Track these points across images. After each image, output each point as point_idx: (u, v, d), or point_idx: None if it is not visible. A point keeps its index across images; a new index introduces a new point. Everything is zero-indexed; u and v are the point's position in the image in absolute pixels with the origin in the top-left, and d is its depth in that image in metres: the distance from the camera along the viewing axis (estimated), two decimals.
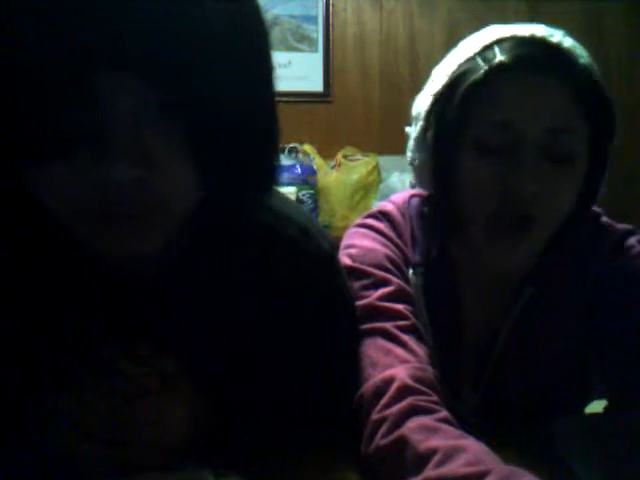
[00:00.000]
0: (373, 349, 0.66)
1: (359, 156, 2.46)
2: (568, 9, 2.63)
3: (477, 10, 2.60)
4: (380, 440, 0.59)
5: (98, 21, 0.39)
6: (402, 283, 0.72)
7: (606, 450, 0.64)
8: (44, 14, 0.39)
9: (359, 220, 0.80)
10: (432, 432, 0.56)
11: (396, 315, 0.69)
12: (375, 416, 0.61)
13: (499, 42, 0.65)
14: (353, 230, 0.79)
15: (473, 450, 0.54)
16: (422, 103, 0.71)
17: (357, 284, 0.72)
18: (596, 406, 0.82)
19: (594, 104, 0.65)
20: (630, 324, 0.70)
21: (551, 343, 0.75)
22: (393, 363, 0.64)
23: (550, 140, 0.64)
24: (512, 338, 0.75)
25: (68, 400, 0.54)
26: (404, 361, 0.64)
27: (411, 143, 0.74)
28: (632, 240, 0.74)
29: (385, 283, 0.71)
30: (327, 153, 2.47)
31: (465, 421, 0.60)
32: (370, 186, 2.41)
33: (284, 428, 0.67)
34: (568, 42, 0.66)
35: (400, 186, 2.26)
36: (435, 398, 0.62)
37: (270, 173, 0.56)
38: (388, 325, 0.67)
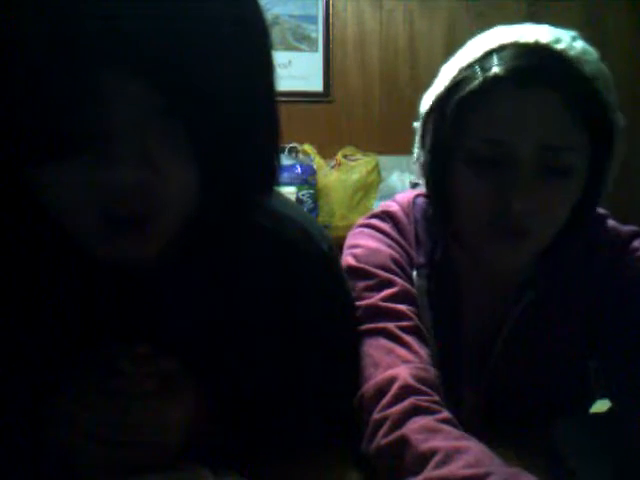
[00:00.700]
0: (375, 349, 0.66)
1: (359, 156, 2.46)
2: (568, 9, 2.63)
3: (477, 10, 2.60)
4: (381, 440, 0.59)
5: (102, 22, 0.39)
6: (406, 284, 0.72)
7: (606, 450, 0.64)
8: (47, 14, 0.39)
9: (363, 220, 0.80)
10: (433, 433, 0.56)
11: (399, 316, 0.69)
12: (376, 415, 0.61)
13: (500, 49, 0.63)
14: (357, 230, 0.79)
15: (474, 451, 0.54)
16: (426, 103, 0.71)
17: (361, 284, 0.72)
18: (598, 406, 0.82)
19: (596, 119, 0.63)
20: (633, 326, 0.70)
21: (551, 345, 0.75)
22: (395, 363, 0.64)
23: (545, 157, 0.62)
24: (512, 340, 0.75)
25: (68, 400, 0.54)
26: (406, 361, 0.64)
27: (417, 140, 0.74)
28: (637, 243, 0.74)
29: (389, 284, 0.71)
30: (327, 153, 2.47)
31: (465, 422, 0.60)
32: (370, 186, 2.41)
33: (284, 427, 0.67)
34: (577, 47, 0.62)
35: (400, 186, 2.26)
36: (437, 398, 0.62)
37: (271, 173, 0.56)
38: (391, 325, 0.67)
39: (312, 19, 2.51)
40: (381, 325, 0.68)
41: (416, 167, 0.75)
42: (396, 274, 0.72)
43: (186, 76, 0.42)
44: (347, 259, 0.75)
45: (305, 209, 2.30)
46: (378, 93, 2.60)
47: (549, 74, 0.61)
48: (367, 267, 0.72)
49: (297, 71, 2.48)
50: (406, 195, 0.82)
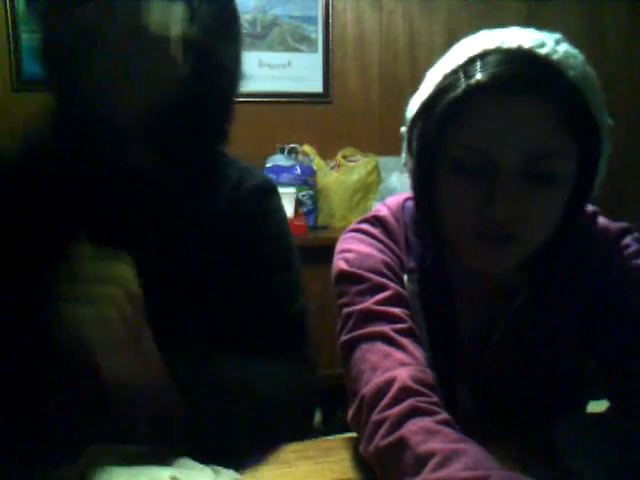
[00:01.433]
0: (373, 354, 0.66)
1: (359, 156, 2.46)
2: (568, 9, 2.63)
3: (477, 10, 2.60)
4: (380, 441, 0.59)
5: None
6: (399, 288, 0.72)
7: (606, 450, 0.64)
8: None
9: (354, 225, 0.80)
10: (432, 434, 0.56)
11: (394, 319, 0.69)
12: (375, 417, 0.61)
13: (483, 55, 0.62)
14: (348, 235, 0.79)
15: (472, 454, 0.53)
16: (412, 108, 0.71)
17: (354, 289, 0.72)
18: (596, 406, 0.82)
19: (581, 122, 0.62)
20: (627, 324, 0.70)
21: (546, 344, 0.75)
22: (393, 366, 0.64)
23: (529, 164, 0.61)
24: (506, 339, 0.75)
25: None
26: (404, 364, 0.64)
27: (404, 145, 0.74)
28: (627, 239, 0.74)
29: (382, 288, 0.71)
30: (327, 153, 2.47)
31: (462, 422, 0.60)
32: (370, 187, 2.41)
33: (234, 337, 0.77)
34: (560, 51, 0.61)
35: (400, 186, 2.26)
36: (436, 400, 0.62)
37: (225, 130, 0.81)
38: (386, 328, 0.67)
39: (312, 20, 2.51)
40: (377, 329, 0.68)
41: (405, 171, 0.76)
42: (388, 278, 0.72)
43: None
44: (339, 263, 0.75)
45: (305, 210, 2.30)
46: (378, 94, 2.60)
47: (532, 80, 0.60)
48: (360, 271, 0.72)
49: (297, 72, 2.48)
50: (396, 198, 0.82)
